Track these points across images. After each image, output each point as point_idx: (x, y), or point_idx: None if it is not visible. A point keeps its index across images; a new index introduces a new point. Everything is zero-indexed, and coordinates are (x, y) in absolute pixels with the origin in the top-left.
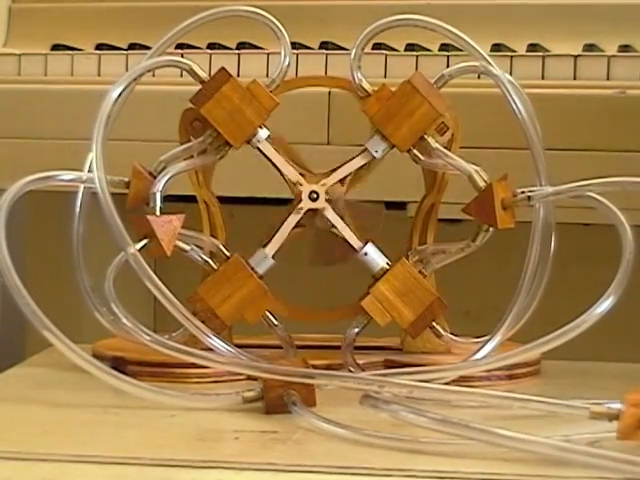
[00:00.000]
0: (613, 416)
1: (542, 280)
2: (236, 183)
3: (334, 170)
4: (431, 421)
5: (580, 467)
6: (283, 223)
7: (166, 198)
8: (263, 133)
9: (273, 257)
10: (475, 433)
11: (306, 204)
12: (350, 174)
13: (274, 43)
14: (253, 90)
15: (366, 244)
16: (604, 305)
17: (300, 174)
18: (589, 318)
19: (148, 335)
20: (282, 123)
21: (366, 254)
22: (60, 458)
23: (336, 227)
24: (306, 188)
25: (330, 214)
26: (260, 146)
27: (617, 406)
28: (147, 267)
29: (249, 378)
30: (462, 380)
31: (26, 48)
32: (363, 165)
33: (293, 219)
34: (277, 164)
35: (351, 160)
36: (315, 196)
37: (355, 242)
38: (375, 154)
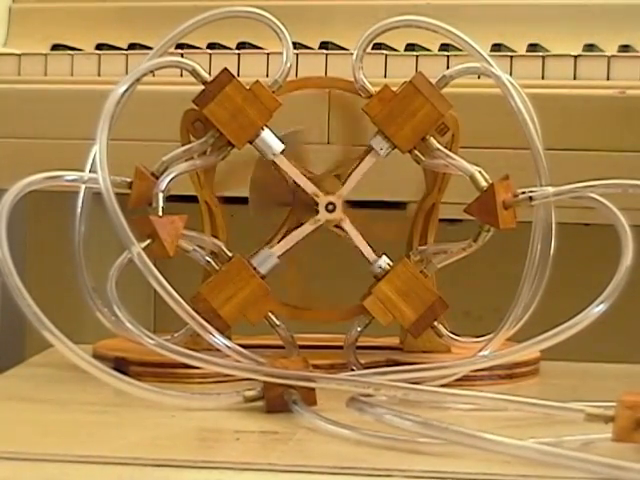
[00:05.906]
0: (608, 418)
1: (542, 280)
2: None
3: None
4: (414, 424)
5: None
6: (297, 228)
7: (166, 198)
8: (265, 134)
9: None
10: (457, 436)
11: (323, 216)
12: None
13: (274, 43)
14: (256, 91)
15: (381, 257)
16: (602, 304)
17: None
18: (587, 316)
19: (151, 338)
20: (282, 123)
21: (380, 267)
22: (60, 458)
23: (352, 239)
24: (323, 200)
25: (347, 226)
26: (276, 160)
27: (612, 408)
28: (152, 266)
29: (252, 378)
30: (464, 380)
31: (26, 48)
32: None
33: (308, 228)
34: (294, 177)
35: (359, 164)
36: (332, 207)
37: (369, 254)
38: (380, 152)
